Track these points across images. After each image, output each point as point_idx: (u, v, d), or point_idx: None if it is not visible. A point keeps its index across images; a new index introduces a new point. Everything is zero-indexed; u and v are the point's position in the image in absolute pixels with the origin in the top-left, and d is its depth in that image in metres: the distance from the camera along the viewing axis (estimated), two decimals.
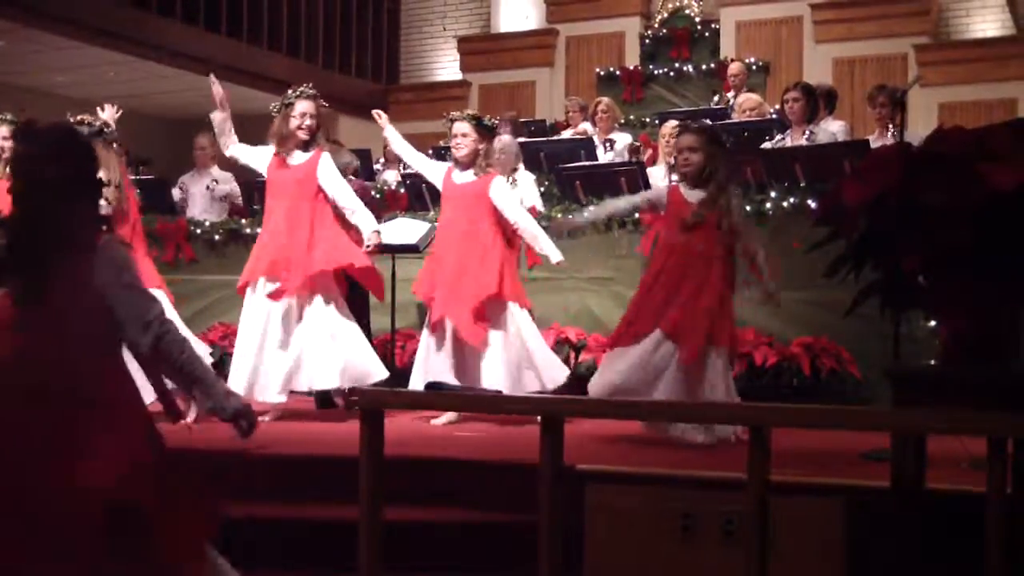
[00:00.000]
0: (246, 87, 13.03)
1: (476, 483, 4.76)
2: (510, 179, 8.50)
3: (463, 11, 15.58)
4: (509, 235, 6.50)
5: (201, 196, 9.35)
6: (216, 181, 9.45)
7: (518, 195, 8.27)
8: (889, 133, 8.33)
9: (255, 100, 13.11)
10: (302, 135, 6.49)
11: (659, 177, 8.39)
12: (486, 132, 6.57)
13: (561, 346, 7.29)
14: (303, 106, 6.51)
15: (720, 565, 3.99)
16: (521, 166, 8.75)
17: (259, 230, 8.37)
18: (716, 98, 11.27)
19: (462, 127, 6.53)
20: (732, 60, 12.00)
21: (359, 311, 6.81)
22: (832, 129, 8.75)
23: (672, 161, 8.22)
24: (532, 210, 7.36)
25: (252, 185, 8.90)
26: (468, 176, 6.52)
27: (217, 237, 8.50)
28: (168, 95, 13.19)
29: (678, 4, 13.90)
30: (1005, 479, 3.04)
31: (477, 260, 6.33)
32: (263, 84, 13.23)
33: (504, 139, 9.18)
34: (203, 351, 6.43)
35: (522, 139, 9.83)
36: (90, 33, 11.31)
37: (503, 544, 4.43)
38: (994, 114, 10.68)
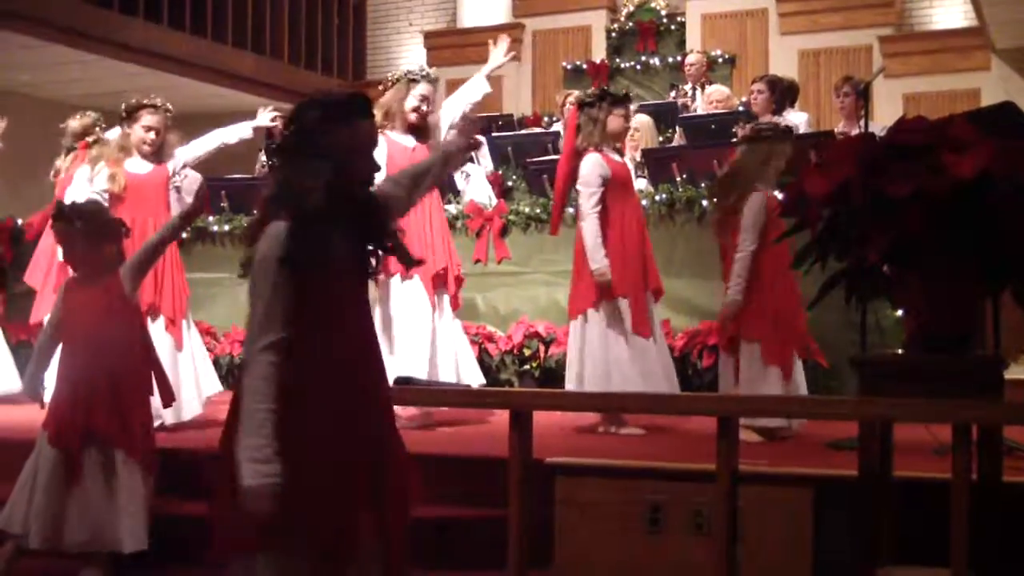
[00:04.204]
0: (211, 84, 12.95)
1: (445, 478, 4.76)
2: (463, 174, 8.56)
3: (429, 6, 15.52)
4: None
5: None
6: (184, 177, 9.37)
7: (473, 187, 8.34)
8: (847, 122, 8.41)
9: (221, 97, 13.05)
10: (413, 118, 6.15)
11: None
12: None
13: (530, 340, 7.29)
14: (424, 88, 6.19)
15: (690, 556, 4.01)
16: (479, 159, 8.87)
17: (227, 228, 8.39)
18: (672, 93, 11.25)
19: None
20: (690, 51, 12.01)
21: None
22: (795, 121, 8.78)
23: (638, 156, 8.25)
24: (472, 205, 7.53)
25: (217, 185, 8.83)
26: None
27: (184, 235, 8.42)
28: (134, 94, 13.06)
29: None
30: (970, 465, 3.07)
31: None
32: (228, 81, 13.14)
33: None
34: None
35: (496, 134, 9.85)
36: (53, 31, 11.18)
37: (474, 539, 4.43)
38: (958, 104, 10.70)
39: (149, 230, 6.14)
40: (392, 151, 5.94)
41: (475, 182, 8.57)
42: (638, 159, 8.19)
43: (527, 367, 7.27)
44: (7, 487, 4.53)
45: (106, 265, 4.45)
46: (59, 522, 4.26)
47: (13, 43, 11.17)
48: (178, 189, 9.30)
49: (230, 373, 8.20)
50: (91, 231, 4.43)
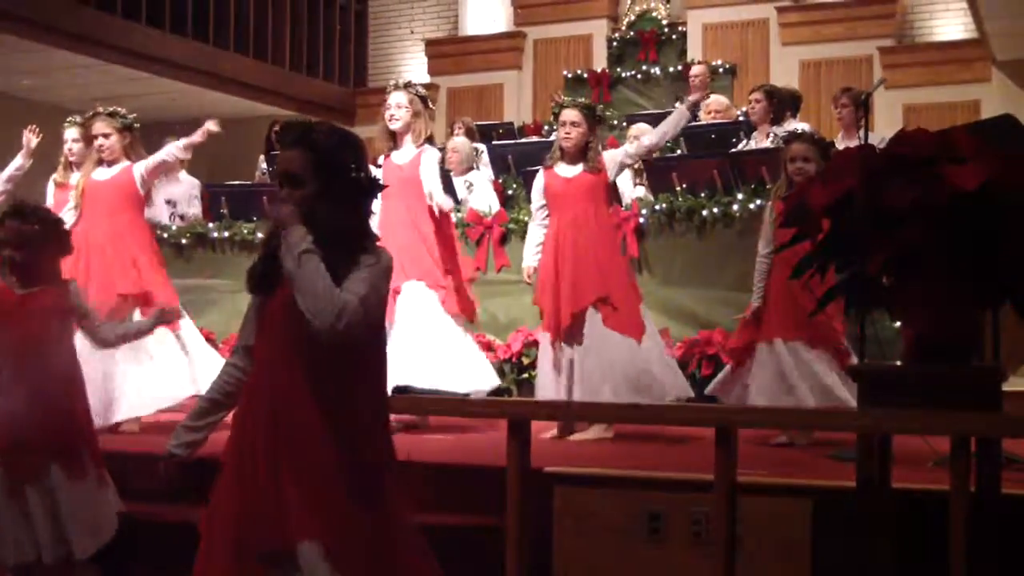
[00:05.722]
0: (212, 90, 12.96)
1: (444, 487, 4.75)
2: (466, 183, 8.60)
3: (430, 13, 15.54)
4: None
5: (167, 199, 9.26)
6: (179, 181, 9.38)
7: (475, 196, 8.36)
8: (846, 133, 8.42)
9: (222, 104, 13.04)
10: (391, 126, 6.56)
11: (626, 180, 8.39)
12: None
13: (529, 349, 7.29)
14: (391, 97, 6.67)
15: (688, 565, 4.00)
16: (480, 167, 8.87)
17: (226, 234, 8.39)
18: (678, 104, 11.25)
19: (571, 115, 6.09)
20: (696, 62, 12.01)
21: None
22: None
23: (639, 164, 8.26)
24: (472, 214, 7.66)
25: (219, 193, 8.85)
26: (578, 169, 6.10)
27: (184, 241, 8.43)
28: (135, 98, 13.06)
29: (645, 7, 13.91)
30: (969, 477, 3.07)
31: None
32: (230, 87, 13.15)
33: (457, 140, 9.28)
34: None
35: (496, 142, 9.86)
36: (55, 35, 11.19)
37: (472, 548, 4.42)
38: (957, 116, 10.74)
39: (100, 235, 6.18)
40: None
41: (478, 190, 8.58)
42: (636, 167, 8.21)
43: (526, 376, 7.27)
44: None
45: (48, 276, 4.40)
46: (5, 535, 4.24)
47: (15, 47, 11.18)
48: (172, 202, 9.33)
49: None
50: (48, 237, 4.38)
